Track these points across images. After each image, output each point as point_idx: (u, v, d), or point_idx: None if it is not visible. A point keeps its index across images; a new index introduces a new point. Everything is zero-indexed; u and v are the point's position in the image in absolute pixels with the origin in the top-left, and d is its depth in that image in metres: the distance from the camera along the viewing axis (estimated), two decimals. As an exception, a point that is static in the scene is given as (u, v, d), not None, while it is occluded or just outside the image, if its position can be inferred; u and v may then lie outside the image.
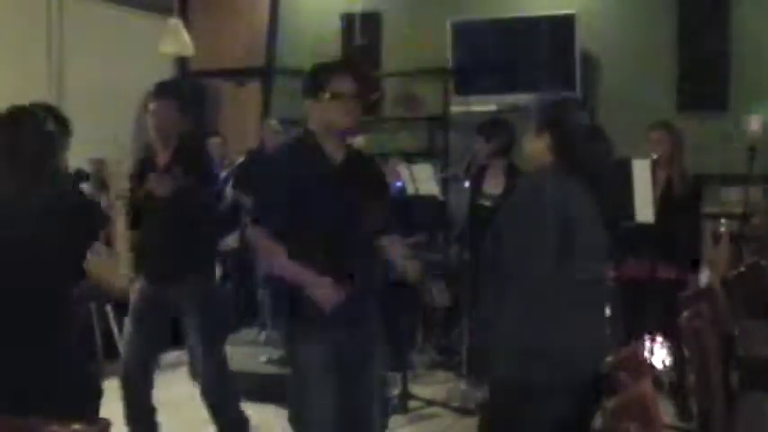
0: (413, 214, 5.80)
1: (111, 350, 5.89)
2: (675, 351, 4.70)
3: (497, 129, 5.03)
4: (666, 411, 4.43)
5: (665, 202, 4.56)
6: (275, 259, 3.08)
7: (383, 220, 3.22)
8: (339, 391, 3.07)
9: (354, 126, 3.12)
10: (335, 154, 3.11)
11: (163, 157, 4.11)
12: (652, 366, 4.76)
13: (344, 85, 3.05)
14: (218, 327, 4.27)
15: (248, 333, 6.32)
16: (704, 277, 4.84)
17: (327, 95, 3.04)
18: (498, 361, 2.67)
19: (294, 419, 3.15)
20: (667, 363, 4.87)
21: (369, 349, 3.15)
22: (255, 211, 3.21)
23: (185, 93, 4.26)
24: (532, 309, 2.57)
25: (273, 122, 6.66)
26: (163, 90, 4.22)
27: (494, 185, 5.02)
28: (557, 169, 2.65)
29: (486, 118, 5.49)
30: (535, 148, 2.72)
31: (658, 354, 4.91)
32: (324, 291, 2.97)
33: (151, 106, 4.07)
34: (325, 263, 3.00)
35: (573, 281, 2.58)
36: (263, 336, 6.11)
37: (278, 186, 3.07)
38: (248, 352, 5.45)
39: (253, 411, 4.96)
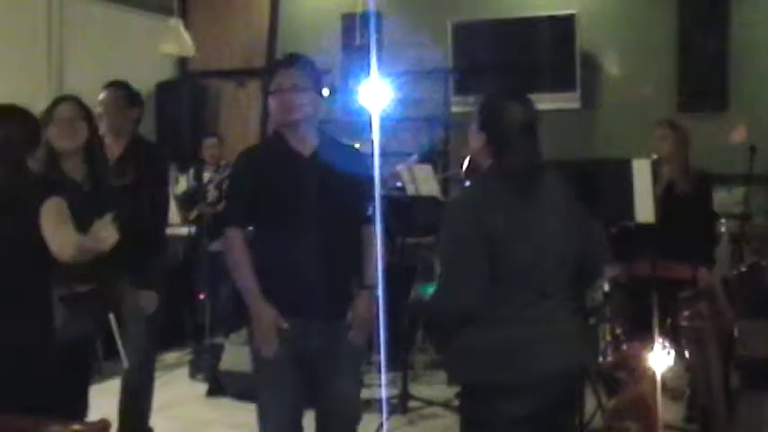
0: (413, 215, 5.81)
1: (111, 351, 5.89)
2: (678, 352, 4.69)
3: None
4: (667, 412, 4.42)
5: (668, 200, 4.55)
6: (239, 272, 3.13)
7: (360, 209, 3.21)
8: (299, 385, 3.12)
9: (291, 119, 3.09)
10: (301, 146, 3.13)
11: (115, 149, 4.04)
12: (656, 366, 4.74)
13: (282, 79, 3.09)
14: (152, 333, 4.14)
15: (246, 333, 6.31)
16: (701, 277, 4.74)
17: (270, 91, 3.13)
18: (460, 362, 2.66)
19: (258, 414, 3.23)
20: (670, 364, 4.85)
21: (333, 344, 3.11)
22: (225, 212, 3.33)
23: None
24: (483, 310, 2.56)
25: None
26: (113, 81, 4.18)
27: None
28: (490, 174, 2.65)
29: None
30: (475, 150, 2.72)
31: (662, 355, 4.89)
32: (261, 328, 3.13)
33: (100, 96, 4.05)
34: (291, 252, 3.05)
35: (516, 282, 2.56)
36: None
37: (244, 183, 3.16)
38: (247, 352, 5.42)
39: (253, 411, 4.97)
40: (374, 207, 3.25)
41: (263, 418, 3.22)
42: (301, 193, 3.07)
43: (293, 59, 3.16)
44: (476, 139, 2.71)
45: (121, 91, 4.12)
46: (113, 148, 4.03)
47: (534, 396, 2.56)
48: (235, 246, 3.14)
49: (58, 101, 3.41)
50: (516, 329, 2.56)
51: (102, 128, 3.98)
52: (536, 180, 2.66)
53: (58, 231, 2.69)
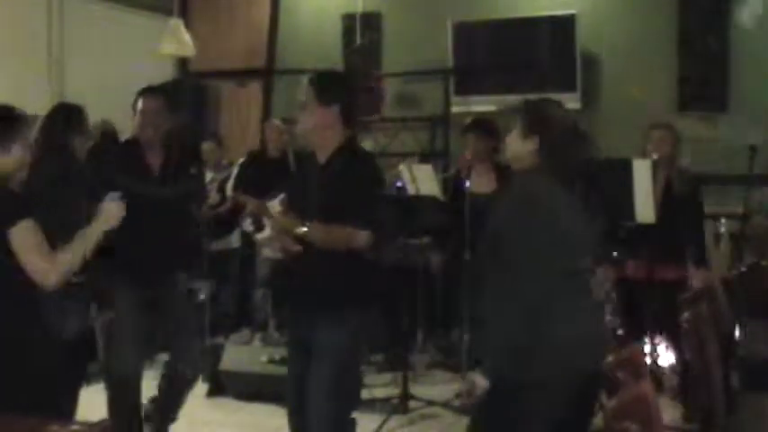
0: (414, 215, 5.80)
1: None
2: (676, 352, 4.70)
3: (495, 127, 5.11)
4: (667, 412, 4.42)
5: (665, 201, 4.57)
6: None
7: (352, 214, 3.22)
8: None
9: (297, 132, 3.47)
10: (320, 153, 3.32)
11: (153, 158, 4.04)
12: (657, 366, 4.75)
13: None
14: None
15: (246, 333, 6.31)
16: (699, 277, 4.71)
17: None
18: (491, 360, 2.68)
19: None
20: (668, 364, 4.86)
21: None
22: None
23: (178, 92, 4.25)
24: (523, 306, 2.58)
25: (278, 122, 6.62)
26: (151, 89, 4.16)
27: (483, 184, 5.09)
28: (545, 173, 2.71)
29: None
30: (521, 150, 2.78)
31: (660, 354, 4.90)
32: None
33: (140, 105, 4.01)
34: None
35: (560, 278, 2.63)
36: (257, 339, 6.08)
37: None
38: (248, 352, 5.44)
39: (253, 411, 4.97)
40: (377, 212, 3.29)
41: None
42: (306, 195, 3.29)
43: (307, 77, 3.35)
44: (520, 143, 2.78)
45: (163, 99, 4.09)
46: (150, 156, 4.03)
47: (585, 392, 2.65)
48: None
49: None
50: (566, 326, 2.62)
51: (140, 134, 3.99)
52: (578, 183, 2.78)
53: (37, 261, 2.67)
